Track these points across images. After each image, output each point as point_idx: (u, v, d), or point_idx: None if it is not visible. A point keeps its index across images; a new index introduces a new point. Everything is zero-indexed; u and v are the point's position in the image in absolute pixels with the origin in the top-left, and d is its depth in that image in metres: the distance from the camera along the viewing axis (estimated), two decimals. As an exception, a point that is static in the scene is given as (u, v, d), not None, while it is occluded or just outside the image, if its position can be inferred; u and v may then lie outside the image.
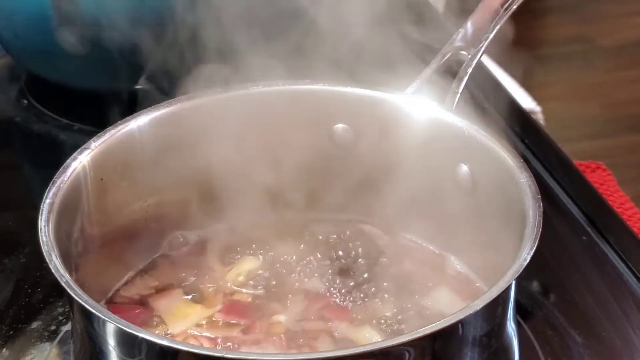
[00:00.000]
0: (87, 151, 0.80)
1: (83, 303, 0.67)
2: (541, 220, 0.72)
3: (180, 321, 0.79)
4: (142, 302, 0.82)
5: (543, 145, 1.06)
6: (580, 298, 0.88)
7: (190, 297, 0.82)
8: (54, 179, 0.77)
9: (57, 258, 0.70)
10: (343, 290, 0.82)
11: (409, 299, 0.81)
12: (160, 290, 0.83)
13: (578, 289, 0.89)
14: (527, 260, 0.69)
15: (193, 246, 0.87)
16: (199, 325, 0.79)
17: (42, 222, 0.73)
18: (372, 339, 0.77)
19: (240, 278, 0.83)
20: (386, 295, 0.81)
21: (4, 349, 0.84)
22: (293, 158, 0.87)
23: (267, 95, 0.86)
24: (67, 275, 0.68)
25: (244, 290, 0.83)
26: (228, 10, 0.91)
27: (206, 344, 0.77)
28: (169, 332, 0.79)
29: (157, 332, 0.78)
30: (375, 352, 0.64)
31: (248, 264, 0.85)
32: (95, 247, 0.80)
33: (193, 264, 0.85)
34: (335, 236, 0.87)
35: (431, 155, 0.83)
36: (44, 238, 0.71)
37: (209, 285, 0.83)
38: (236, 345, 0.77)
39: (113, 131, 0.82)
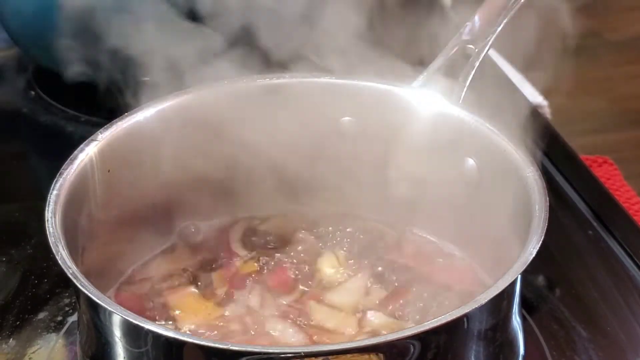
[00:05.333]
0: (94, 143, 0.80)
1: (89, 294, 0.67)
2: (547, 215, 0.72)
3: (190, 318, 0.79)
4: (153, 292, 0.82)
5: (549, 139, 1.06)
6: (585, 292, 0.88)
7: (200, 291, 0.81)
8: (61, 170, 0.77)
9: (63, 249, 0.70)
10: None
11: (415, 292, 0.81)
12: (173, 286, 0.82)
13: (584, 284, 0.89)
14: (533, 255, 0.68)
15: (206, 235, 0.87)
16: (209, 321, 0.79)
17: (48, 213, 0.73)
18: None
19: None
20: (392, 288, 0.82)
21: (11, 339, 0.84)
22: (299, 151, 0.87)
23: (274, 88, 0.86)
24: (73, 267, 0.69)
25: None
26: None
27: None
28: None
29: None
30: (381, 345, 0.64)
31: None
32: (102, 238, 0.80)
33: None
34: (340, 230, 0.87)
35: (437, 149, 0.83)
36: (51, 229, 0.72)
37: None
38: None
39: (120, 123, 0.82)
